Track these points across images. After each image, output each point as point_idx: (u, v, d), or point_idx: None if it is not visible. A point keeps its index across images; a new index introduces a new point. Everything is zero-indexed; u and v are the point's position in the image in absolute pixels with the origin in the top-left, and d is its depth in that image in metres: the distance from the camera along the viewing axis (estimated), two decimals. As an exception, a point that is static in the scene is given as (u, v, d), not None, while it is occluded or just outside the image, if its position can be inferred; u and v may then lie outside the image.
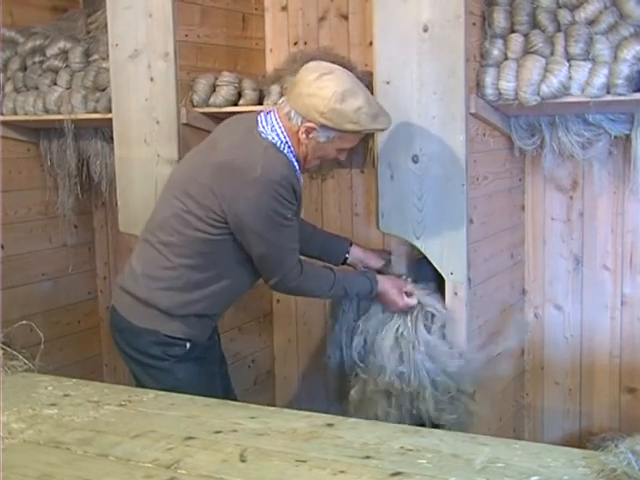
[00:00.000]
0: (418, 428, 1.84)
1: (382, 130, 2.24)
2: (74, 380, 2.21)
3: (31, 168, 3.43)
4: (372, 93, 2.40)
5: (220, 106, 2.77)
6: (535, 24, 2.39)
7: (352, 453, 1.62)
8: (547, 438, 2.94)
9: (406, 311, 2.42)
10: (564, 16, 2.36)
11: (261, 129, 2.21)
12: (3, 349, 2.30)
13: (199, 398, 2.03)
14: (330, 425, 1.79)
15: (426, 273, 2.49)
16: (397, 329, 2.41)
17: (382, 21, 2.37)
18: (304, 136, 2.18)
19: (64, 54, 3.12)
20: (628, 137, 2.52)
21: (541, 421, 2.98)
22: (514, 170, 2.79)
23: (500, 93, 2.37)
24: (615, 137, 2.54)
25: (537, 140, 2.64)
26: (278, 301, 3.37)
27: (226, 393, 2.41)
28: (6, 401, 1.98)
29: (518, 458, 1.58)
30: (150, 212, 2.45)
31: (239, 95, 2.77)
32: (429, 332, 2.39)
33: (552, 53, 2.33)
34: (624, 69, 2.22)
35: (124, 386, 2.26)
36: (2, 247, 3.25)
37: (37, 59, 3.17)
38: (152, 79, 2.77)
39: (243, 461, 1.60)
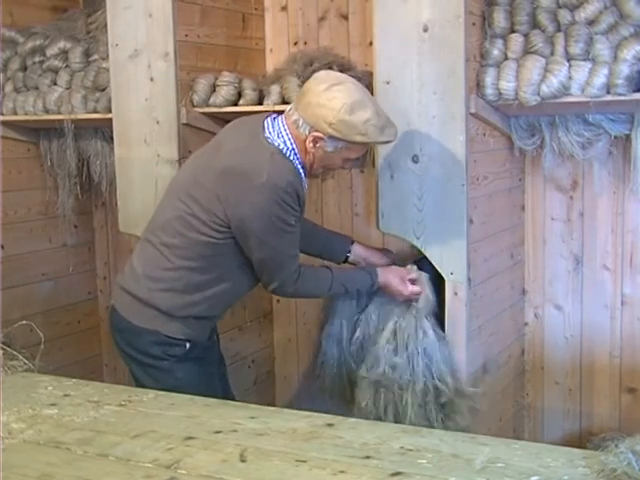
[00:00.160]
0: (418, 428, 1.84)
1: (389, 142, 2.23)
2: (74, 380, 2.21)
3: (31, 168, 3.43)
4: (372, 93, 2.41)
5: (220, 106, 2.77)
6: (535, 24, 2.39)
7: (352, 453, 1.63)
8: (547, 438, 2.94)
9: (413, 299, 2.40)
10: (564, 16, 2.36)
11: (267, 134, 2.21)
12: (3, 349, 2.30)
13: (199, 398, 2.04)
14: (330, 425, 1.79)
15: (426, 273, 2.49)
16: (396, 321, 2.41)
17: (382, 21, 2.37)
18: (311, 145, 2.18)
19: (64, 54, 3.12)
20: (628, 137, 2.52)
21: (541, 421, 2.98)
22: (514, 170, 2.79)
23: (500, 93, 2.37)
24: (615, 137, 2.54)
25: (537, 140, 2.64)
26: (278, 301, 3.37)
27: (225, 393, 2.41)
28: (6, 401, 1.98)
29: (518, 458, 1.58)
30: (150, 212, 2.45)
31: (239, 95, 2.77)
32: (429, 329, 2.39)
33: (552, 53, 2.33)
34: (624, 69, 2.22)
35: (124, 386, 2.26)
36: (2, 247, 3.25)
37: (37, 59, 3.17)
38: (152, 79, 2.77)
39: (243, 461, 1.60)
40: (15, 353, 2.31)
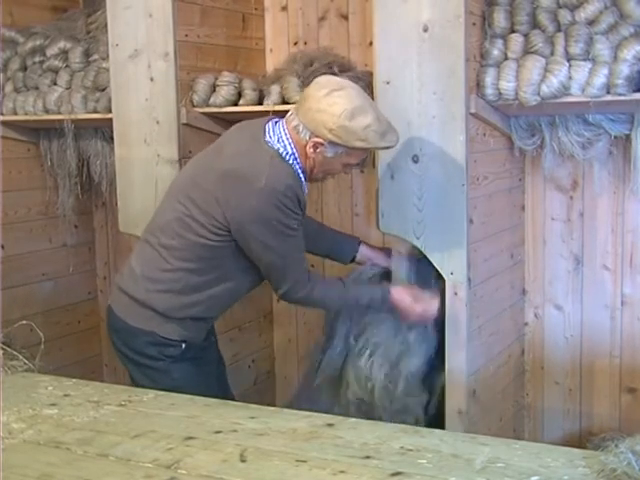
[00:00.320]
0: (418, 428, 1.84)
1: (390, 147, 2.23)
2: (74, 380, 2.21)
3: (31, 168, 3.43)
4: (372, 93, 2.41)
5: (220, 106, 2.77)
6: (535, 24, 2.39)
7: (352, 453, 1.62)
8: (547, 438, 2.94)
9: (425, 319, 2.37)
10: (564, 16, 2.36)
11: (268, 138, 2.21)
12: (3, 349, 2.30)
13: (199, 398, 2.03)
14: (330, 425, 1.79)
15: (426, 273, 2.49)
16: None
17: (382, 21, 2.37)
18: (311, 150, 2.18)
19: (64, 54, 3.13)
20: (628, 137, 2.52)
21: (541, 421, 2.98)
22: (514, 170, 2.79)
23: (500, 93, 2.37)
24: (615, 137, 2.54)
25: (537, 140, 2.64)
26: (278, 301, 3.36)
27: (224, 394, 2.40)
28: (6, 401, 1.98)
29: (518, 458, 1.58)
30: (150, 212, 2.45)
31: (239, 95, 2.77)
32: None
33: (552, 53, 2.33)
34: (624, 69, 2.22)
35: (124, 386, 2.25)
36: (2, 247, 3.25)
37: (37, 59, 3.17)
38: (152, 79, 2.77)
39: (243, 461, 1.60)
40: (15, 353, 2.31)
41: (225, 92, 2.75)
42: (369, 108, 2.14)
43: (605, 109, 2.42)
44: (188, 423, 1.83)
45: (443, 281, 2.39)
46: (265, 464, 1.59)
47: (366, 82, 2.54)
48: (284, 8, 3.19)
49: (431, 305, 2.37)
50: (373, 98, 2.40)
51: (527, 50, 2.36)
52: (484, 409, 2.55)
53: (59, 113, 3.08)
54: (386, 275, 2.53)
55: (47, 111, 3.11)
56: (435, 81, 2.31)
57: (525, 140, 2.65)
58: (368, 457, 1.60)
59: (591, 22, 2.33)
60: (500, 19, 2.40)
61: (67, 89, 3.09)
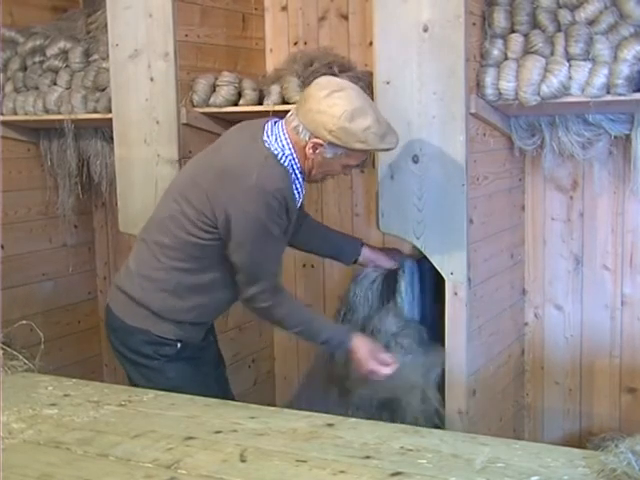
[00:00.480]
0: (418, 428, 1.84)
1: (390, 149, 2.22)
2: (74, 380, 2.21)
3: (31, 168, 3.43)
4: (372, 93, 2.41)
5: (220, 106, 2.77)
6: (535, 24, 2.39)
7: (352, 453, 1.63)
8: (547, 438, 2.94)
9: (370, 377, 2.31)
10: (564, 16, 2.36)
11: (266, 138, 2.20)
12: (3, 349, 2.30)
13: (199, 398, 2.04)
14: (330, 425, 1.79)
15: (426, 273, 2.49)
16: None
17: (382, 21, 2.37)
18: (311, 151, 2.17)
19: (64, 54, 3.13)
20: (628, 137, 2.52)
21: (541, 421, 2.98)
22: (514, 170, 2.79)
23: (500, 93, 2.37)
24: (615, 137, 2.54)
25: (537, 140, 2.64)
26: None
27: (224, 394, 2.40)
28: (6, 401, 1.98)
29: (518, 458, 1.58)
30: (150, 212, 2.45)
31: (239, 95, 2.77)
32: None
33: (552, 53, 2.33)
34: (624, 69, 2.21)
35: (124, 386, 2.26)
36: (2, 247, 3.25)
37: (37, 59, 3.17)
38: (152, 79, 2.77)
39: (243, 461, 1.60)
40: (15, 353, 2.31)
41: (225, 92, 2.75)
42: (369, 110, 2.13)
43: (605, 109, 2.42)
44: (188, 423, 1.83)
45: (443, 282, 2.39)
46: (265, 464, 1.59)
47: (366, 82, 2.54)
48: (284, 8, 3.19)
49: (383, 369, 2.30)
50: (373, 98, 2.40)
51: (527, 50, 2.36)
52: (484, 409, 2.55)
53: (59, 113, 3.08)
54: (389, 277, 2.54)
55: (47, 111, 3.11)
56: (435, 81, 2.31)
57: (525, 140, 2.65)
58: (368, 457, 1.60)
59: (591, 22, 2.33)
60: (500, 19, 2.39)
61: (67, 89, 3.09)
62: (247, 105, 2.74)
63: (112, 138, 2.93)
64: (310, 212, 3.05)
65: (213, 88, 2.78)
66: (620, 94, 2.23)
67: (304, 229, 2.53)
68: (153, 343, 2.30)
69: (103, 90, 2.99)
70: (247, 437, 1.74)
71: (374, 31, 2.40)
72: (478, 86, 2.38)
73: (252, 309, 2.31)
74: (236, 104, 2.77)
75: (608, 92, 2.25)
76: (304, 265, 3.28)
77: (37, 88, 3.16)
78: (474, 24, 2.35)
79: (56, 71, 3.13)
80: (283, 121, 2.23)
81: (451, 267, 2.37)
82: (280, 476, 1.54)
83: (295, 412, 1.92)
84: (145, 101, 2.79)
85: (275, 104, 2.67)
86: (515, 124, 2.63)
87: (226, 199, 2.16)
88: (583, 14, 2.34)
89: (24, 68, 3.21)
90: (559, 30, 2.36)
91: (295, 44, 3.18)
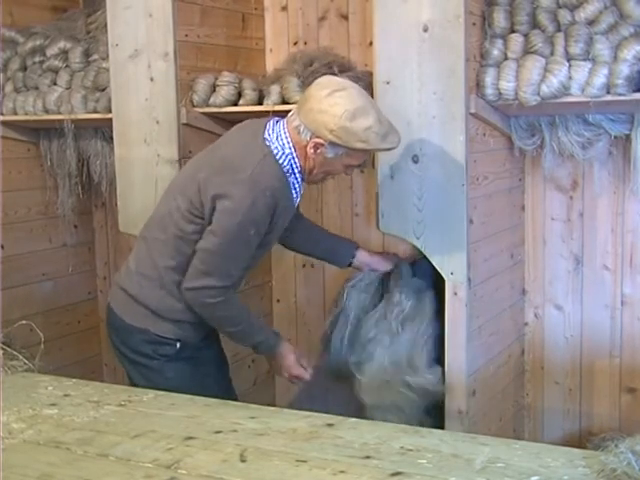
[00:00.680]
0: (418, 428, 1.84)
1: (391, 149, 2.22)
2: (74, 380, 2.21)
3: (31, 168, 3.43)
4: (372, 93, 2.41)
5: (220, 106, 2.77)
6: (535, 24, 2.39)
7: (352, 453, 1.62)
8: (547, 438, 2.93)
9: (292, 381, 2.44)
10: (564, 16, 2.36)
11: (267, 136, 2.21)
12: (3, 349, 2.30)
13: (199, 398, 2.03)
14: (330, 425, 1.79)
15: (426, 273, 2.49)
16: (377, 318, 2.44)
17: (382, 21, 2.37)
18: (312, 151, 2.17)
19: (64, 54, 3.12)
20: (628, 137, 2.52)
21: (541, 421, 2.98)
22: (514, 170, 2.79)
23: (500, 93, 2.37)
24: (615, 137, 2.54)
25: (537, 140, 2.64)
26: (278, 301, 3.37)
27: (225, 395, 2.39)
28: (6, 401, 1.98)
29: (518, 458, 1.58)
30: (150, 212, 2.45)
31: (239, 95, 2.77)
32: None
33: (552, 53, 2.33)
34: (624, 69, 2.21)
35: (124, 386, 2.26)
36: (2, 247, 3.25)
37: (37, 59, 3.17)
38: (152, 79, 2.77)
39: (243, 461, 1.60)
40: (15, 353, 2.31)
41: (225, 92, 2.75)
42: (371, 109, 2.13)
43: (605, 109, 2.42)
44: (188, 423, 1.83)
45: (443, 281, 2.39)
46: (265, 464, 1.59)
47: (366, 82, 2.54)
48: (284, 8, 3.19)
49: (305, 374, 2.40)
50: (373, 98, 2.40)
51: (527, 50, 2.36)
52: (484, 409, 2.55)
53: (59, 113, 3.08)
54: (385, 280, 2.54)
55: (47, 111, 3.11)
56: (435, 81, 2.31)
57: (525, 140, 2.65)
58: (368, 457, 1.60)
59: (591, 22, 2.33)
60: (500, 19, 2.40)
61: (67, 89, 3.09)
62: (247, 105, 2.74)
63: (112, 138, 2.93)
64: (310, 212, 3.06)
65: (213, 88, 2.78)
66: (620, 94, 2.23)
67: (299, 230, 2.54)
68: (152, 342, 2.30)
69: (103, 90, 2.99)
70: (247, 437, 1.73)
71: (374, 31, 2.40)
72: (478, 86, 2.38)
73: (194, 300, 2.24)
74: (236, 104, 2.77)
75: (608, 92, 2.25)
76: (304, 265, 3.28)
77: (37, 88, 3.16)
78: (474, 24, 2.35)
79: (56, 71, 3.13)
80: (284, 120, 2.23)
81: (451, 267, 2.37)
82: (280, 476, 1.54)
83: (295, 412, 1.92)
84: (145, 101, 2.79)
85: (275, 104, 2.67)
86: (515, 124, 2.63)
87: (217, 187, 2.16)
88: (583, 14, 2.34)
89: (24, 68, 3.21)
90: (559, 30, 2.36)
91: (295, 44, 3.18)
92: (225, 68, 2.88)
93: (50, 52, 3.14)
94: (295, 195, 2.28)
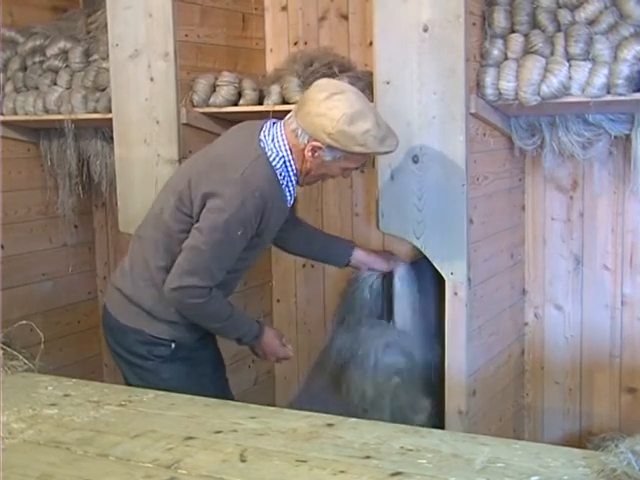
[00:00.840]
0: (418, 428, 1.84)
1: (389, 153, 2.21)
2: (74, 380, 2.21)
3: (31, 168, 3.43)
4: (372, 93, 2.41)
5: (220, 106, 2.77)
6: (535, 24, 2.39)
7: (352, 453, 1.62)
8: (547, 438, 2.93)
9: (279, 361, 2.50)
10: (564, 16, 2.36)
11: (262, 137, 2.20)
12: (3, 349, 2.30)
13: (199, 398, 2.03)
14: (330, 425, 1.79)
15: (426, 273, 2.49)
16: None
17: (382, 21, 2.37)
18: (310, 154, 2.16)
19: (64, 54, 3.13)
20: (628, 137, 2.52)
21: (541, 421, 2.98)
22: (514, 170, 2.79)
23: (500, 93, 2.37)
24: (615, 137, 2.54)
25: (537, 140, 2.64)
26: (278, 301, 3.37)
27: (221, 396, 2.38)
28: (6, 401, 1.98)
29: (518, 458, 1.58)
30: (150, 212, 2.46)
31: (239, 95, 2.77)
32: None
33: (552, 53, 2.33)
34: (624, 69, 2.21)
35: (124, 386, 2.26)
36: (2, 247, 3.25)
37: (37, 59, 3.17)
38: (152, 79, 2.77)
39: (243, 461, 1.60)
40: (15, 353, 2.30)
41: (225, 92, 2.75)
42: (369, 113, 2.12)
43: (605, 109, 2.42)
44: (188, 423, 1.83)
45: (442, 283, 2.39)
46: (265, 464, 1.59)
47: (366, 82, 2.54)
48: (284, 8, 3.19)
49: (289, 353, 2.46)
50: (373, 98, 2.40)
51: (527, 50, 2.36)
52: (484, 409, 2.55)
53: (59, 113, 3.08)
54: (386, 279, 2.54)
55: (47, 111, 3.11)
56: (435, 81, 2.31)
57: (525, 140, 2.65)
58: (368, 457, 1.60)
59: (591, 22, 2.33)
60: (500, 19, 2.40)
61: (67, 89, 3.09)
62: (247, 105, 2.74)
63: (112, 138, 2.93)
64: (310, 212, 3.06)
65: (213, 88, 2.78)
66: (620, 94, 2.23)
67: (295, 233, 2.54)
68: (147, 343, 2.30)
69: (103, 90, 2.99)
70: (247, 437, 1.73)
71: (374, 31, 2.40)
72: (478, 86, 2.38)
73: (177, 301, 2.22)
74: (236, 104, 2.77)
75: (608, 92, 2.25)
76: (304, 265, 3.28)
77: (37, 88, 3.16)
78: (474, 24, 2.35)
79: (56, 71, 3.13)
80: (282, 123, 2.22)
81: (451, 267, 2.36)
82: (280, 476, 1.54)
83: (295, 412, 1.92)
84: (145, 101, 2.79)
85: (275, 104, 2.67)
86: (515, 124, 2.63)
87: (208, 185, 2.16)
88: (583, 14, 2.34)
89: (24, 68, 3.21)
90: (559, 30, 2.36)
91: (295, 44, 3.18)
92: (225, 68, 2.88)
93: (50, 52, 3.14)
94: (289, 198, 2.27)
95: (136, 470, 1.58)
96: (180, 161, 2.74)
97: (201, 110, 2.80)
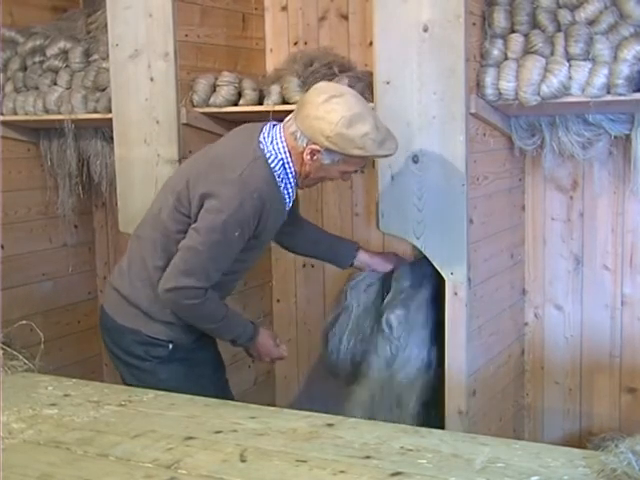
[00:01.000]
0: (418, 428, 1.84)
1: (388, 156, 2.20)
2: (74, 380, 2.21)
3: (31, 168, 3.43)
4: (372, 93, 2.41)
5: (220, 106, 2.77)
6: (535, 24, 2.39)
7: (352, 453, 1.62)
8: (547, 438, 2.93)
9: (273, 361, 2.53)
10: (564, 16, 2.36)
11: (262, 139, 2.20)
12: (3, 349, 2.30)
13: (199, 398, 2.03)
14: (330, 425, 1.79)
15: (426, 273, 2.49)
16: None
17: (382, 21, 2.37)
18: (308, 157, 2.16)
19: (64, 54, 3.13)
20: (628, 137, 2.52)
21: (541, 421, 2.98)
22: (514, 170, 2.79)
23: (500, 93, 2.37)
24: (615, 137, 2.54)
25: (537, 140, 2.64)
26: (278, 301, 3.37)
27: (222, 396, 2.37)
28: (6, 401, 1.98)
29: (518, 458, 1.58)
30: (150, 212, 2.46)
31: (239, 95, 2.77)
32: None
33: (552, 53, 2.33)
34: (624, 69, 2.21)
35: (124, 386, 2.26)
36: (2, 247, 3.25)
37: (37, 59, 3.17)
38: (152, 79, 2.77)
39: (243, 461, 1.60)
40: (15, 353, 2.31)
41: (225, 92, 2.75)
42: (368, 116, 2.11)
43: (605, 109, 2.42)
44: (188, 423, 1.83)
45: (443, 282, 2.39)
46: (265, 464, 1.59)
47: (366, 82, 2.54)
48: (284, 8, 3.19)
49: (283, 353, 2.46)
50: (373, 98, 2.40)
51: (527, 50, 2.36)
52: (484, 409, 2.55)
53: (59, 113, 3.08)
54: (385, 280, 2.54)
55: (47, 111, 3.11)
56: (435, 81, 2.31)
57: (525, 140, 2.65)
58: (368, 457, 1.60)
59: (591, 22, 2.33)
60: (500, 19, 2.39)
61: (67, 89, 3.09)
62: (247, 105, 2.74)
63: (112, 138, 2.93)
64: (310, 212, 3.06)
65: (213, 88, 2.78)
66: (620, 94, 2.23)
67: (299, 233, 2.54)
68: (144, 343, 2.29)
69: (103, 90, 2.99)
70: (247, 437, 1.73)
71: (374, 31, 2.40)
72: (478, 86, 2.38)
73: (172, 302, 2.21)
74: (236, 104, 2.77)
75: (608, 92, 2.25)
76: (304, 265, 3.28)
77: (37, 88, 3.16)
78: (474, 24, 2.35)
79: (56, 71, 3.13)
80: (281, 125, 2.22)
81: (451, 267, 2.37)
82: (280, 476, 1.54)
83: (295, 412, 1.92)
84: (145, 101, 2.79)
85: (275, 104, 2.67)
86: (515, 124, 2.63)
87: (206, 186, 2.16)
88: (583, 14, 2.34)
89: (24, 68, 3.21)
90: (559, 30, 2.36)
91: (295, 44, 3.18)
92: (225, 68, 2.88)
93: (50, 52, 3.14)
94: (287, 200, 2.27)
95: (136, 470, 1.58)
96: (180, 161, 2.74)
97: (201, 110, 2.80)
